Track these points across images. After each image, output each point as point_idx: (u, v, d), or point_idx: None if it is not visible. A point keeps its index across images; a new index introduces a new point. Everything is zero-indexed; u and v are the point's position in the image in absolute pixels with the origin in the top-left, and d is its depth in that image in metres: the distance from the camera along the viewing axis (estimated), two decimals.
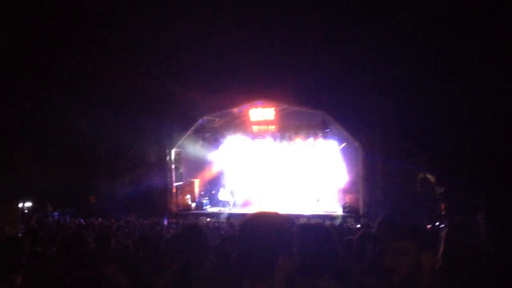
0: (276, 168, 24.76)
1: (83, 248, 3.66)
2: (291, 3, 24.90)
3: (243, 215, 21.89)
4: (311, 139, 22.78)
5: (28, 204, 22.10)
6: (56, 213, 22.54)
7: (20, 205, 18.32)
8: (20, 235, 11.67)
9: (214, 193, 25.27)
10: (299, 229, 2.56)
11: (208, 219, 22.28)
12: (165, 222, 20.12)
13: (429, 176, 22.85)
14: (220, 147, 25.14)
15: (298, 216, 20.83)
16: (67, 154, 25.04)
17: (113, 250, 5.09)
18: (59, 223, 17.63)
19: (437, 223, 14.60)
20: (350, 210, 22.02)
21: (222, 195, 24.71)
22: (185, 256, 3.28)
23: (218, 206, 24.64)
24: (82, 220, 18.57)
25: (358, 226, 14.41)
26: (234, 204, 24.45)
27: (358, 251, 3.72)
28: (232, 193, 24.95)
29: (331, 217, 21.24)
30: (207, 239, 3.44)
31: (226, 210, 23.84)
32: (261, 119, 23.51)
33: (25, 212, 20.64)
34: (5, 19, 22.35)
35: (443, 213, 21.13)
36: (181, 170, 25.61)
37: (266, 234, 2.16)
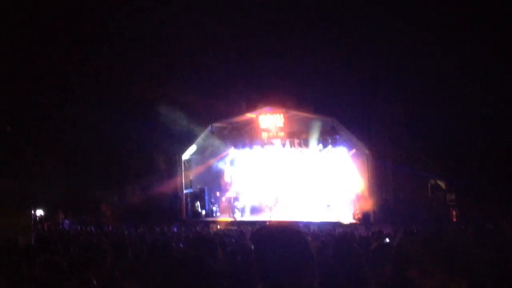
0: (286, 175, 24.72)
1: (102, 259, 3.67)
2: (301, 11, 24.96)
3: (253, 223, 21.94)
4: (320, 146, 22.72)
5: (40, 212, 22.22)
6: (67, 221, 22.64)
7: (32, 213, 18.39)
8: (32, 243, 11.73)
9: (224, 201, 25.26)
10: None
11: (218, 227, 22.28)
12: (175, 229, 20.15)
13: (440, 182, 22.69)
14: (230, 155, 25.17)
15: (308, 224, 20.78)
16: (78, 162, 25.17)
17: (129, 260, 5.10)
18: (70, 231, 17.68)
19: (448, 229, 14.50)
20: (360, 217, 21.90)
21: (231, 202, 24.70)
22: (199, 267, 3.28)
23: (228, 213, 24.62)
24: (93, 228, 18.61)
25: (370, 234, 14.29)
26: (244, 211, 24.42)
27: (375, 263, 3.69)
28: (241, 200, 24.94)
29: (342, 224, 21.15)
30: (217, 251, 3.43)
31: (236, 218, 23.83)
32: (270, 125, 23.51)
33: (37, 220, 20.75)
34: (17, 22, 22.57)
35: (454, 220, 20.97)
36: (191, 178, 25.62)
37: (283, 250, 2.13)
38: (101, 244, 3.86)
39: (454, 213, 21.51)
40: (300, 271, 2.09)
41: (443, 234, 2.01)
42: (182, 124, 24.33)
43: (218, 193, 25.86)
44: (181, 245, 10.21)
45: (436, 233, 2.05)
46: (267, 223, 2.37)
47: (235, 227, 21.12)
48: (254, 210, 24.79)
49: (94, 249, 3.77)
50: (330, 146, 22.59)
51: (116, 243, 6.32)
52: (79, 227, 20.00)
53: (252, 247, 2.21)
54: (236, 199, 25.00)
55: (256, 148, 23.77)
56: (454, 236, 1.95)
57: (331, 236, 11.97)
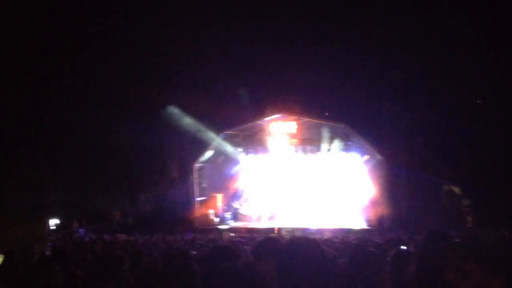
0: (298, 182, 24.68)
1: (118, 269, 3.68)
2: (313, 17, 24.99)
3: (266, 230, 21.90)
4: (332, 152, 22.66)
5: (55, 221, 22.38)
6: (81, 230, 22.76)
7: (47, 222, 18.55)
8: (48, 253, 11.80)
9: (237, 208, 25.26)
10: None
11: (232, 234, 22.24)
12: (189, 237, 20.15)
13: (454, 188, 22.48)
14: (242, 162, 25.21)
15: (321, 230, 20.69)
16: (91, 171, 25.33)
17: (145, 269, 5.10)
18: (84, 240, 17.76)
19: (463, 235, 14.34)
20: (374, 224, 21.76)
21: (244, 209, 24.72)
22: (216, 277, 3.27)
23: (241, 220, 24.62)
24: (107, 237, 18.66)
25: (385, 240, 14.17)
26: (256, 218, 24.42)
27: (394, 270, 3.64)
28: (254, 207, 24.95)
29: (355, 231, 21.03)
30: (238, 259, 3.41)
31: (249, 225, 23.81)
32: (282, 132, 23.51)
33: (52, 229, 20.90)
34: (21, 24, 22.81)
35: (469, 226, 20.74)
36: (203, 185, 25.65)
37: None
38: (118, 254, 3.86)
39: (469, 219, 21.29)
40: (319, 281, 2.09)
41: (481, 238, 1.98)
42: (194, 129, 24.40)
43: (231, 201, 25.87)
44: (194, 253, 10.22)
45: (474, 238, 2.01)
46: (276, 232, 2.40)
47: (248, 235, 21.09)
48: (266, 217, 24.76)
49: (111, 259, 3.77)
50: (342, 152, 22.51)
51: (132, 252, 6.34)
52: (93, 235, 20.07)
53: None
54: (249, 206, 25.01)
55: (268, 155, 23.75)
56: (492, 238, 1.92)
57: (346, 243, 11.90)
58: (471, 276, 1.87)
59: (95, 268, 3.87)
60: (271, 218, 24.51)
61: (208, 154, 24.87)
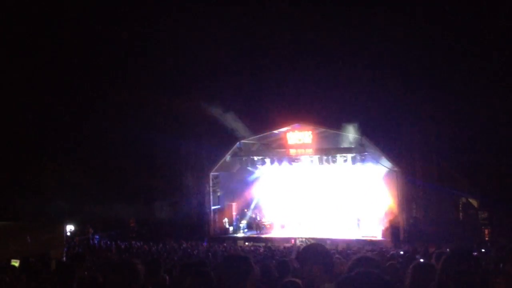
0: (314, 191, 24.60)
1: (134, 277, 3.69)
2: (330, 29, 25.01)
3: (281, 239, 21.83)
4: (348, 163, 22.54)
5: (70, 227, 22.55)
6: (97, 236, 22.91)
7: (64, 228, 18.68)
8: (64, 258, 11.91)
9: (252, 217, 25.24)
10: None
11: (246, 243, 22.24)
12: (205, 245, 20.21)
13: (472, 200, 22.21)
14: (257, 171, 25.21)
15: (337, 241, 20.58)
16: (107, 178, 25.53)
17: (162, 277, 5.12)
18: (100, 246, 17.90)
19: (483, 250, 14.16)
20: (390, 235, 21.57)
21: (258, 218, 24.70)
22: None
23: (255, 230, 24.59)
24: (122, 244, 18.79)
25: (402, 252, 14.07)
26: (271, 228, 24.40)
27: (414, 282, 3.60)
28: (269, 217, 24.93)
29: (371, 242, 20.88)
30: (254, 269, 3.40)
31: (263, 234, 23.79)
32: (298, 142, 23.46)
33: (68, 236, 21.06)
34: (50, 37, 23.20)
35: (486, 239, 20.44)
36: (219, 194, 25.69)
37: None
38: (134, 261, 3.88)
39: (486, 231, 21.00)
40: None
41: None
42: (210, 141, 24.51)
43: (245, 210, 25.87)
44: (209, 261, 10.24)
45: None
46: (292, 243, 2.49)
47: (263, 244, 21.07)
48: (281, 227, 24.71)
49: (127, 266, 3.79)
50: (359, 163, 22.39)
51: (149, 260, 6.37)
52: (108, 242, 20.21)
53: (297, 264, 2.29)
54: (264, 215, 24.98)
55: (284, 164, 23.72)
56: None
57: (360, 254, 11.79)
58: None
59: (111, 275, 3.88)
60: (285, 227, 24.45)
61: (224, 163, 24.88)
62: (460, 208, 22.57)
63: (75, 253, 9.43)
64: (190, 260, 6.96)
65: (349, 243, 20.37)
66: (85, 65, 24.86)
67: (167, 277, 5.58)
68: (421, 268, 3.59)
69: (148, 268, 4.98)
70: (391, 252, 15.29)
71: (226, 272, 3.40)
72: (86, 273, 6.74)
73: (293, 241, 21.32)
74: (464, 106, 22.13)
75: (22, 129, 23.22)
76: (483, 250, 13.46)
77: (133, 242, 20.25)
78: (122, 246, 18.07)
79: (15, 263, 8.62)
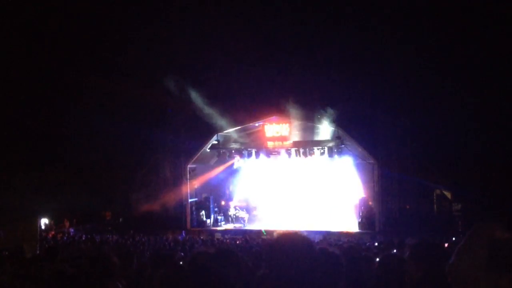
0: (291, 184, 24.71)
1: (109, 270, 3.66)
2: (307, 21, 25.03)
3: (259, 231, 21.91)
4: (325, 155, 22.68)
5: (45, 221, 22.25)
6: (72, 230, 22.66)
7: (38, 222, 18.41)
8: (37, 252, 11.74)
9: (229, 209, 25.24)
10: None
11: (224, 236, 22.26)
12: (181, 238, 20.14)
13: (446, 192, 22.59)
14: (235, 163, 25.19)
15: (314, 233, 20.75)
16: (83, 171, 25.20)
17: (135, 270, 5.07)
18: (74, 240, 17.68)
19: (453, 239, 14.43)
20: (366, 227, 21.83)
21: (235, 211, 24.72)
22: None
23: (233, 222, 24.62)
24: (97, 237, 18.60)
25: (376, 244, 14.24)
26: (249, 220, 24.44)
27: (381, 274, 3.63)
28: (246, 209, 24.97)
29: (348, 234, 21.09)
30: (241, 265, 3.33)
31: (241, 227, 23.85)
32: (276, 134, 23.51)
33: (42, 229, 20.78)
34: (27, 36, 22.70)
35: (460, 230, 20.85)
36: (196, 186, 25.61)
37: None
38: (109, 254, 3.84)
39: (460, 223, 21.41)
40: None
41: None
42: (188, 132, 24.36)
43: (223, 202, 25.88)
44: (182, 254, 10.20)
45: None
46: (276, 235, 2.38)
47: (240, 236, 21.11)
48: (259, 219, 24.78)
49: (102, 259, 3.75)
50: (335, 155, 22.55)
51: (122, 253, 6.31)
52: (84, 235, 20.00)
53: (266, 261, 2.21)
54: (241, 208, 25.00)
55: (262, 157, 23.76)
56: None
57: (338, 247, 11.91)
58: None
59: (86, 268, 3.84)
60: (263, 220, 24.52)
61: (202, 155, 24.80)
62: (435, 200, 22.94)
63: (48, 246, 9.27)
64: (162, 252, 6.89)
65: (325, 235, 20.56)
66: (54, 54, 24.34)
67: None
68: (388, 261, 3.62)
69: (122, 261, 4.94)
70: (367, 244, 15.49)
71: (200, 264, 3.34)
72: (61, 266, 6.65)
73: (266, 232, 21.40)
74: (439, 99, 22.41)
75: None
76: (453, 238, 13.74)
77: (108, 235, 20.08)
78: (97, 239, 17.89)
79: None
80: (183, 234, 22.20)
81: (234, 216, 24.68)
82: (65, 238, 19.49)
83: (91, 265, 3.74)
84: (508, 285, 1.81)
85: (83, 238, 18.23)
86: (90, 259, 3.83)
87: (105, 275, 3.66)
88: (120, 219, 25.49)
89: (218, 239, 20.87)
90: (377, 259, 4.60)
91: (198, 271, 3.21)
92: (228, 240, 19.55)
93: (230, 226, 24.42)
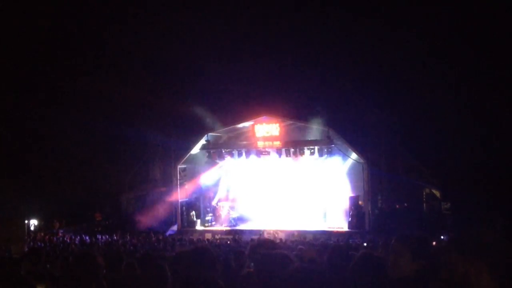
0: (281, 184, 24.71)
1: (94, 270, 3.64)
2: (296, 22, 25.09)
3: (249, 232, 21.89)
4: (316, 155, 22.72)
5: (34, 222, 22.10)
6: (61, 230, 22.53)
7: (26, 222, 18.32)
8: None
9: (219, 210, 25.18)
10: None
11: (216, 236, 22.25)
12: (170, 238, 20.10)
13: (435, 191, 22.73)
14: (225, 163, 25.15)
15: (305, 232, 20.79)
16: (73, 172, 25.07)
17: (123, 272, 5.05)
18: (64, 241, 17.59)
19: (442, 237, 14.52)
20: (356, 227, 21.89)
21: (226, 211, 24.67)
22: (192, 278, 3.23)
23: (223, 223, 24.57)
24: (87, 238, 18.52)
25: (365, 244, 14.31)
26: (239, 220, 24.42)
27: (354, 274, 3.63)
28: (237, 210, 24.94)
29: (337, 233, 21.13)
30: (216, 262, 3.36)
31: (232, 227, 23.81)
32: (266, 134, 23.50)
33: (31, 230, 20.65)
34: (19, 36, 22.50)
35: (449, 228, 20.98)
36: (186, 187, 25.56)
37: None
38: (94, 254, 3.83)
39: (449, 222, 21.53)
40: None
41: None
42: (178, 133, 24.32)
43: (214, 202, 25.82)
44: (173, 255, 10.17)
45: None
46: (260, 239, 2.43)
47: (230, 236, 21.09)
48: (249, 219, 24.75)
49: (88, 259, 3.74)
50: (325, 155, 22.60)
51: (110, 254, 6.27)
52: (73, 236, 19.89)
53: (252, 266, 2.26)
54: (231, 208, 24.95)
55: (252, 157, 23.76)
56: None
57: (326, 246, 11.94)
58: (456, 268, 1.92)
59: (71, 268, 3.83)
60: (254, 220, 24.51)
61: (192, 155, 24.74)
62: (424, 199, 23.08)
63: (30, 248, 9.21)
64: (151, 253, 6.88)
65: (316, 234, 20.61)
66: (44, 52, 24.17)
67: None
68: (364, 260, 3.62)
69: (110, 261, 4.92)
70: (357, 243, 15.56)
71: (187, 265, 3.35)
72: (45, 266, 6.62)
73: (260, 233, 21.41)
74: (428, 99, 22.54)
75: None
76: (442, 237, 13.83)
77: (98, 235, 19.98)
78: (87, 240, 17.82)
79: None
80: (170, 232, 22.24)
81: (224, 217, 24.63)
82: (54, 239, 19.39)
83: (76, 265, 3.72)
84: (477, 274, 1.87)
85: (72, 239, 18.14)
86: (75, 259, 3.81)
87: (90, 275, 3.65)
88: (110, 220, 25.37)
89: (208, 239, 20.84)
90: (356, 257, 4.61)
91: (178, 271, 3.24)
92: (218, 240, 19.54)
93: (220, 226, 24.37)
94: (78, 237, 18.80)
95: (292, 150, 22.92)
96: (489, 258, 1.88)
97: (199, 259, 3.26)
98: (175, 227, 24.04)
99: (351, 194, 23.07)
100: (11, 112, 23.14)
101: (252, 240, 17.29)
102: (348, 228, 22.06)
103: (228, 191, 26.10)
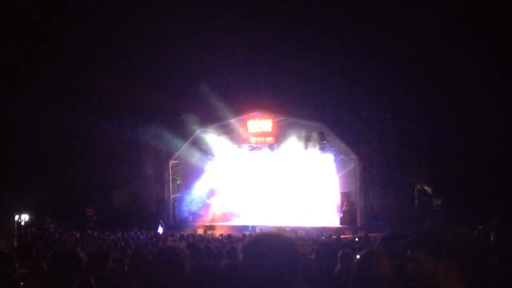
0: (274, 180, 24.67)
1: (76, 266, 3.58)
2: (289, 17, 25.06)
3: (241, 227, 21.89)
4: (308, 151, 22.72)
5: (25, 217, 21.93)
6: (52, 226, 22.37)
7: (17, 218, 18.15)
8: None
9: (211, 205, 25.14)
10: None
11: (208, 231, 22.25)
12: (161, 232, 20.07)
13: (426, 188, 22.80)
14: (218, 159, 25.10)
15: (297, 228, 20.79)
16: (65, 166, 24.91)
17: (111, 268, 4.99)
18: (54, 236, 17.48)
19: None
20: (347, 222, 21.94)
21: (219, 206, 24.65)
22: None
23: (216, 217, 24.54)
24: (78, 233, 18.40)
25: (356, 239, 14.33)
26: (231, 216, 24.41)
27: (360, 272, 3.61)
28: (229, 205, 24.92)
29: (329, 229, 21.16)
30: (184, 265, 3.29)
31: (223, 222, 23.80)
32: (258, 130, 23.49)
33: (22, 225, 20.48)
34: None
35: None
36: (178, 182, 25.49)
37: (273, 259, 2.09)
38: (76, 250, 3.77)
39: (440, 218, 21.59)
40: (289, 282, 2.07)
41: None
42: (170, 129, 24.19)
43: (205, 198, 25.75)
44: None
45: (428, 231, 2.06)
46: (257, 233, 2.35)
47: (222, 232, 21.07)
48: (241, 215, 24.73)
49: (69, 255, 3.68)
50: (318, 151, 22.60)
51: (98, 250, 6.21)
52: (64, 232, 19.76)
53: (242, 257, 2.18)
54: (223, 203, 24.93)
55: (244, 153, 23.72)
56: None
57: (317, 242, 11.95)
58: (424, 266, 1.93)
59: (53, 264, 3.77)
60: (246, 215, 24.49)
61: (184, 151, 24.66)
62: (416, 195, 23.15)
63: (21, 243, 9.12)
64: (140, 249, 6.83)
65: (308, 231, 20.62)
66: (39, 58, 24.03)
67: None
68: (368, 259, 3.60)
69: (98, 257, 4.87)
70: (349, 239, 15.59)
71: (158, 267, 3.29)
72: (35, 262, 6.55)
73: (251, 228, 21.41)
74: (419, 95, 22.60)
75: None
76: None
77: (89, 231, 19.87)
78: (78, 235, 17.71)
79: None
80: (161, 226, 22.19)
81: (216, 212, 24.61)
82: (45, 234, 19.26)
83: (57, 260, 3.67)
84: (445, 272, 1.90)
85: (62, 234, 18.03)
86: (56, 255, 3.76)
87: (72, 271, 3.59)
88: (102, 215, 25.25)
89: (200, 235, 20.82)
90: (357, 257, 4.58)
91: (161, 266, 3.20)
92: (210, 236, 19.52)
93: (212, 222, 24.34)
94: (69, 232, 18.69)
95: (284, 145, 22.93)
96: (459, 257, 1.88)
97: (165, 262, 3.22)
98: (166, 223, 23.97)
99: (343, 190, 23.11)
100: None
101: (244, 236, 17.29)
102: (340, 223, 22.10)
103: (221, 186, 26.04)
